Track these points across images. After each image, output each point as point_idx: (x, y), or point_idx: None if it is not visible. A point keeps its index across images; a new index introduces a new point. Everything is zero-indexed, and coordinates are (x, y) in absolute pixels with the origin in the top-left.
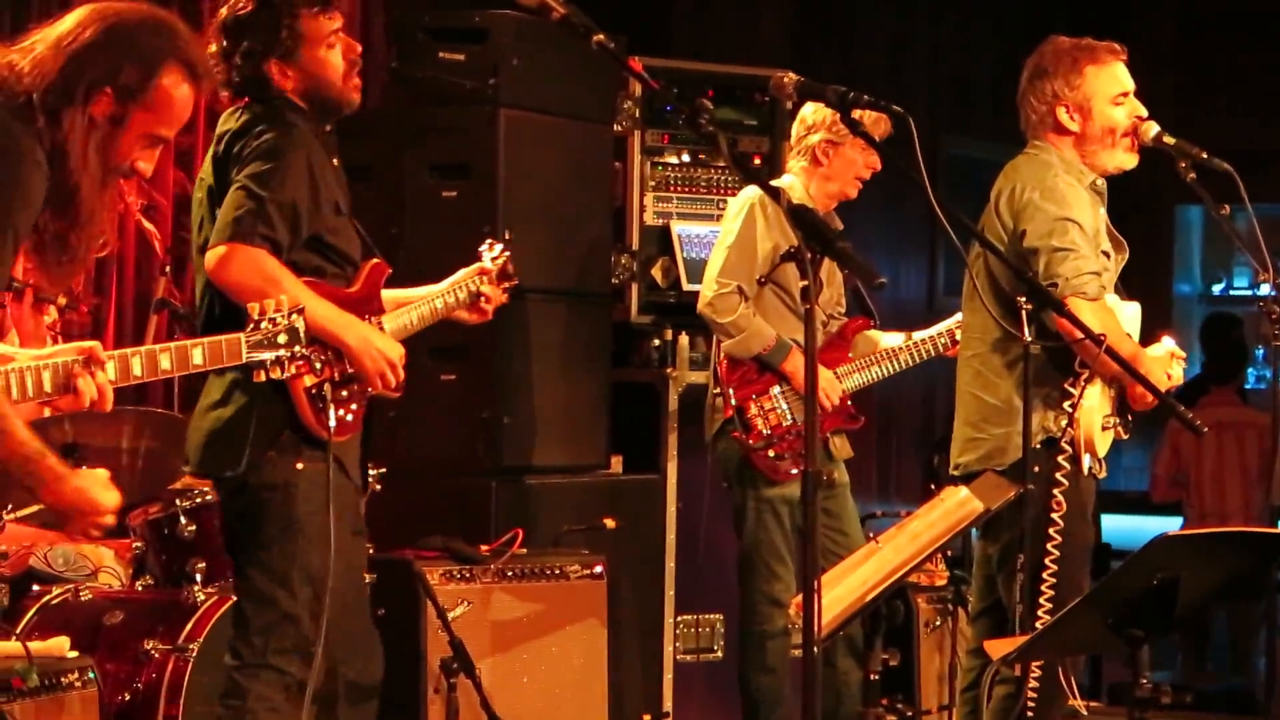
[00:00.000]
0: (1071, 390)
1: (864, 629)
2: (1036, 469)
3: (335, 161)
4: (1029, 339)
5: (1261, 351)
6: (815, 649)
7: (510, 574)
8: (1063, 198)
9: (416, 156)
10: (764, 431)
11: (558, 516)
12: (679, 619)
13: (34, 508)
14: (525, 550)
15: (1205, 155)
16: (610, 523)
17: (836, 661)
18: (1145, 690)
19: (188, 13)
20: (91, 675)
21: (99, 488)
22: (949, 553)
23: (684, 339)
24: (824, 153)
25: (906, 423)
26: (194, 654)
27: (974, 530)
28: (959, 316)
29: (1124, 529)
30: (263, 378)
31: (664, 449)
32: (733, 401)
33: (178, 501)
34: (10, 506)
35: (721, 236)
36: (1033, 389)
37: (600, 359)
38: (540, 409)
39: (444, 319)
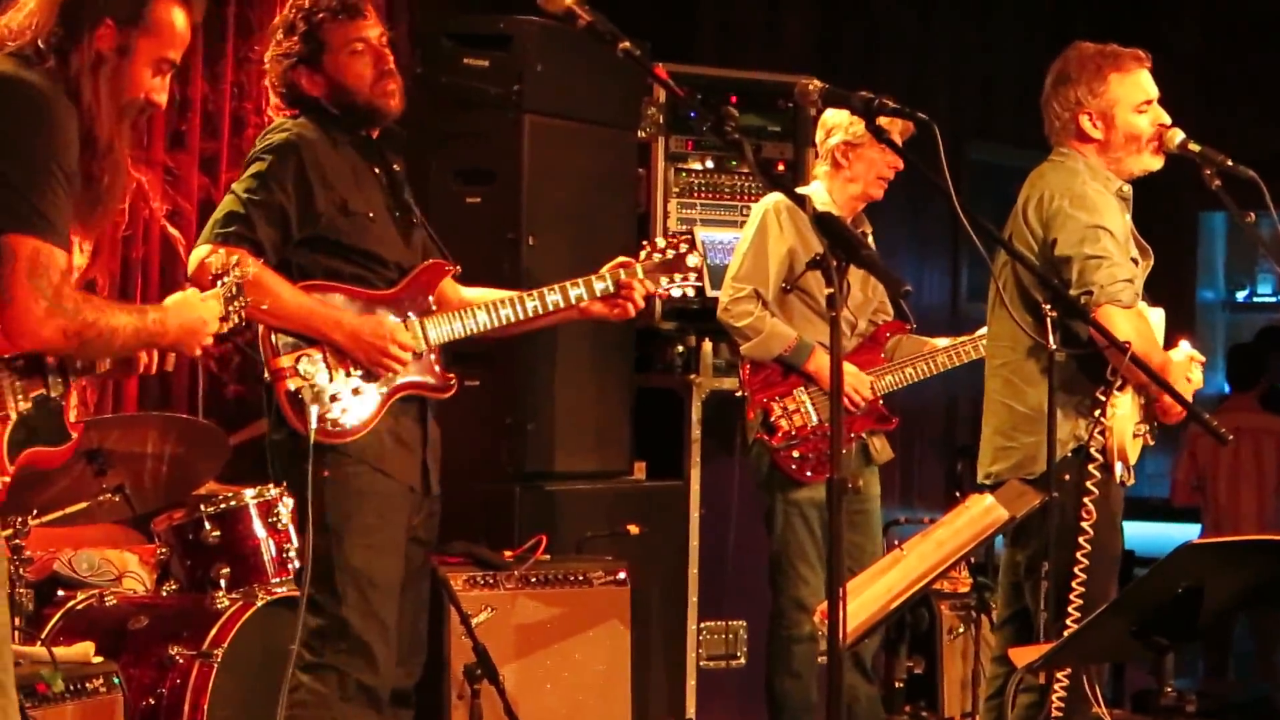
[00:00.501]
0: (1103, 398)
1: (888, 637)
2: (1067, 477)
3: (376, 169)
4: (1054, 346)
5: None
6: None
7: (534, 580)
8: (1093, 205)
9: (441, 162)
10: (789, 432)
11: (581, 522)
12: (702, 625)
13: (57, 513)
14: (549, 556)
15: (1230, 162)
16: (634, 529)
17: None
18: (1169, 698)
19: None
20: (116, 680)
21: (195, 309)
22: (972, 559)
23: (707, 345)
24: (843, 155)
25: (929, 429)
26: (218, 659)
27: (999, 537)
28: None
29: (1147, 536)
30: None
31: (687, 455)
32: (751, 402)
33: (202, 507)
34: (35, 512)
35: (739, 243)
36: (1064, 397)
37: (624, 365)
38: (564, 415)
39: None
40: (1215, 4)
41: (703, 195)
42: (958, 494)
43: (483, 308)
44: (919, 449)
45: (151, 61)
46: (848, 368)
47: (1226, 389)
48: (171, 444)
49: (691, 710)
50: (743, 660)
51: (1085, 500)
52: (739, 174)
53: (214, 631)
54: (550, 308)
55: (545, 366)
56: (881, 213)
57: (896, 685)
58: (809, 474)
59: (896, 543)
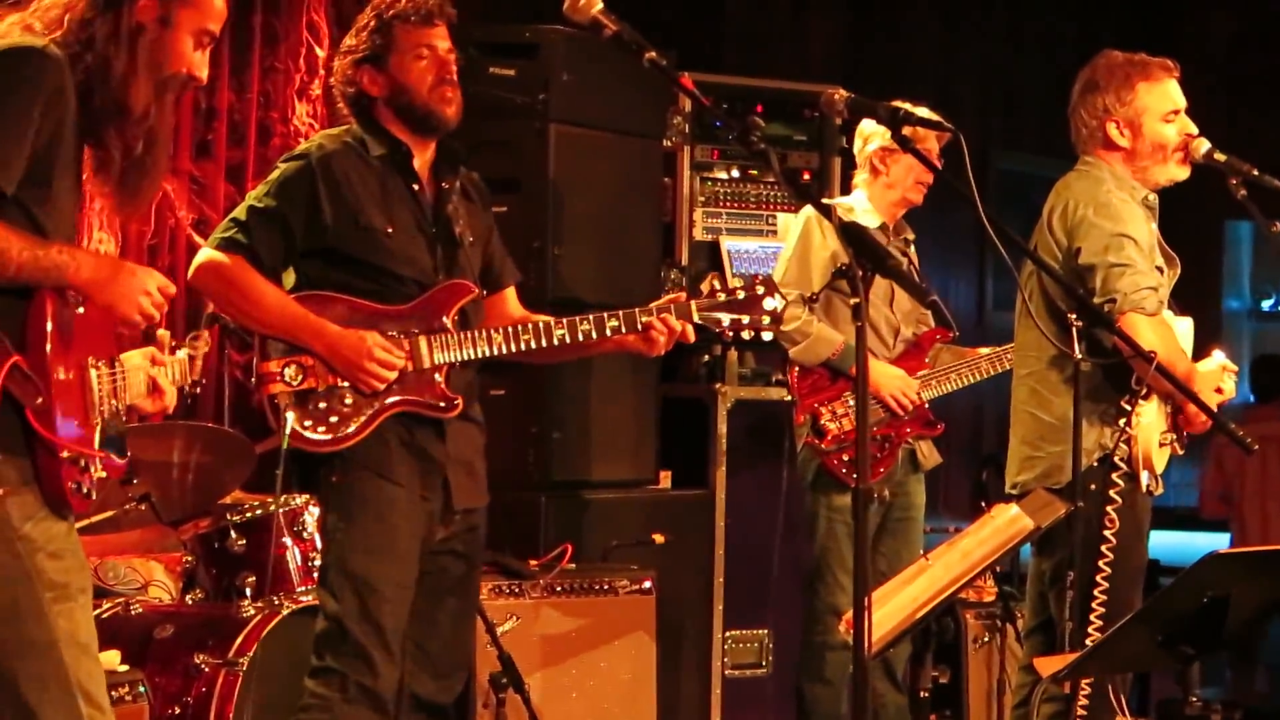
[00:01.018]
0: (1128, 407)
1: (914, 647)
2: (1092, 486)
3: (414, 186)
4: (1080, 356)
5: None
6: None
7: (559, 589)
8: (1117, 214)
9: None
10: (838, 435)
11: (607, 532)
12: (728, 634)
13: (84, 522)
14: (574, 565)
15: (1256, 172)
16: (659, 538)
17: (873, 684)
18: (1195, 708)
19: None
20: (142, 689)
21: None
22: (998, 569)
23: (733, 354)
24: (881, 161)
25: (956, 439)
26: (244, 668)
27: (1026, 546)
28: None
29: (1173, 545)
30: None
31: (713, 464)
32: (799, 406)
33: (228, 515)
34: None
35: (784, 249)
36: (1090, 406)
37: (649, 374)
38: (590, 424)
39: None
40: (1242, 14)
41: (728, 204)
42: (983, 504)
43: (500, 331)
44: (946, 459)
45: (193, 33)
46: (896, 372)
47: (1251, 398)
48: (198, 453)
49: (717, 719)
50: (768, 669)
51: (1109, 510)
52: (765, 183)
53: (239, 640)
54: (581, 338)
55: (571, 376)
56: (907, 221)
57: (922, 695)
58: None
59: (922, 552)
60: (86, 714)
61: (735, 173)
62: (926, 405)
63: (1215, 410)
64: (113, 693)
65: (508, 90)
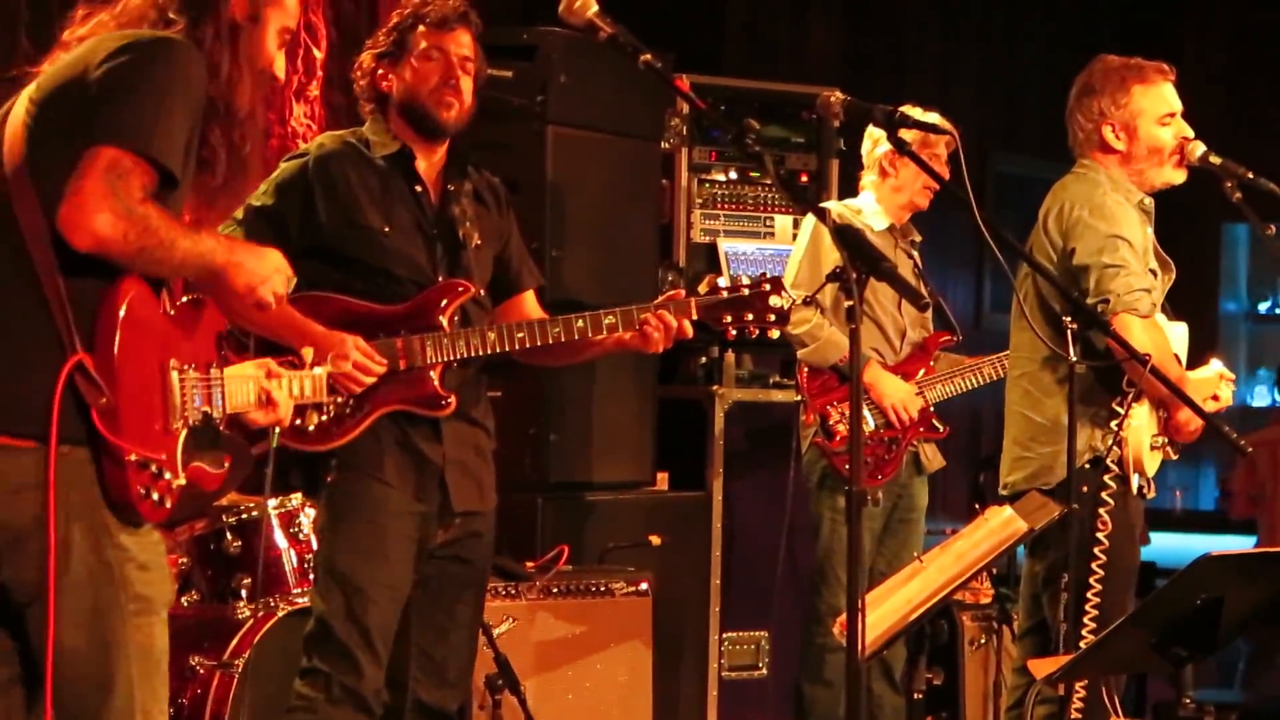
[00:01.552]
0: (1119, 409)
1: (908, 649)
2: (1085, 488)
3: (417, 188)
4: (1074, 358)
5: None
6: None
7: (555, 591)
8: (1112, 215)
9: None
10: (847, 437)
11: (603, 533)
12: (724, 636)
13: None
14: (571, 567)
15: (1251, 175)
16: (656, 540)
17: (870, 685)
18: (1189, 709)
19: None
20: None
21: (260, 254)
22: (994, 571)
23: (730, 356)
24: (890, 164)
25: (953, 441)
26: (239, 670)
27: (1021, 548)
28: None
29: (1169, 548)
30: None
31: (710, 466)
32: (808, 407)
33: (224, 517)
34: None
35: (793, 252)
36: (1081, 408)
37: (647, 376)
38: (587, 425)
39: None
40: (1242, 18)
41: (726, 206)
42: (978, 506)
43: (495, 329)
44: (944, 461)
45: (276, 31)
46: (904, 386)
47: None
48: None
49: None
50: (764, 671)
51: (1101, 511)
52: (763, 185)
53: (235, 642)
54: (577, 335)
55: (568, 377)
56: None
57: (915, 697)
58: (870, 479)
59: (917, 555)
60: None
61: (733, 174)
62: (931, 409)
63: (1209, 414)
64: None
65: (506, 92)
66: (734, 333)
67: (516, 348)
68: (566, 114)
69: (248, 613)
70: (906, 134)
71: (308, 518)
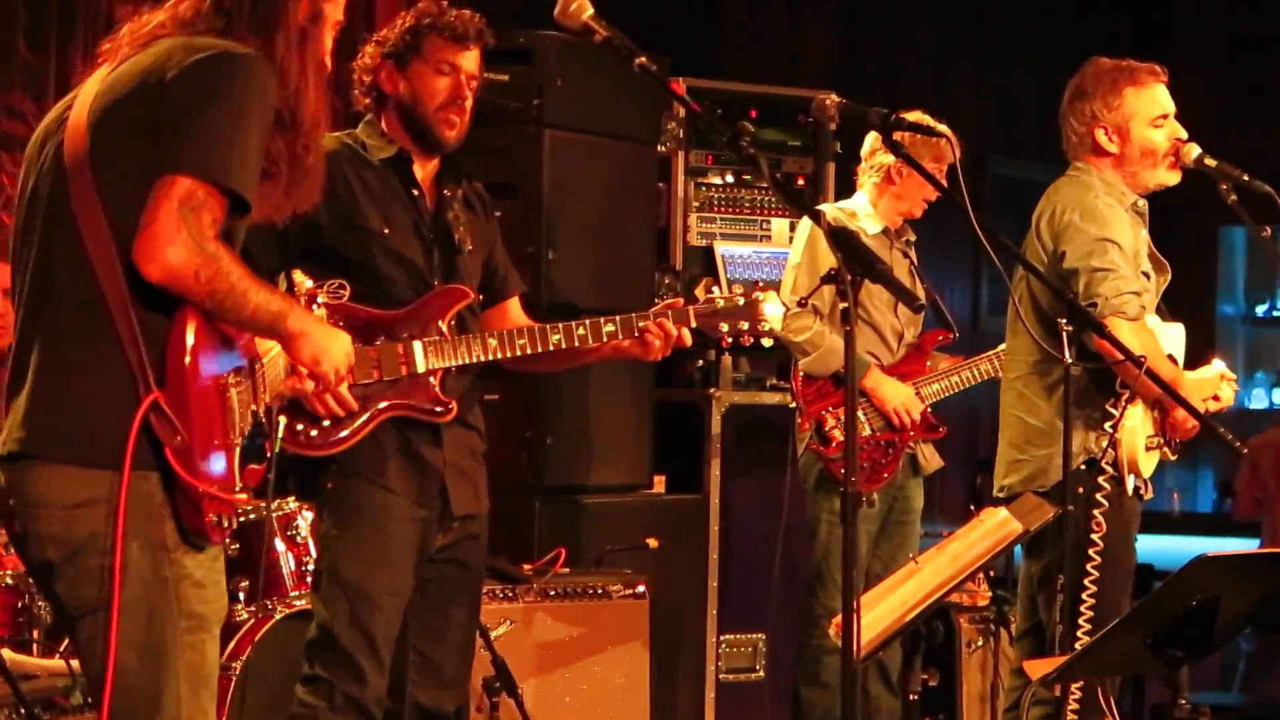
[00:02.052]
0: (1113, 411)
1: (903, 650)
2: (1080, 490)
3: (414, 191)
4: (1070, 360)
5: None
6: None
7: (553, 593)
8: (1102, 218)
9: None
10: (843, 443)
11: (601, 536)
12: (722, 638)
13: None
14: (568, 570)
15: (1246, 177)
16: (653, 542)
17: (868, 687)
18: (1184, 711)
19: None
20: None
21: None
22: (991, 572)
23: (727, 359)
24: (898, 172)
25: (950, 443)
26: (237, 672)
27: (1018, 550)
28: None
29: (1166, 550)
30: None
31: (707, 469)
32: (805, 413)
33: None
34: None
35: (790, 257)
36: (1075, 410)
37: (643, 379)
38: (584, 429)
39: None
40: (1237, 20)
41: (723, 210)
42: (972, 508)
43: (496, 335)
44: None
45: (332, 25)
46: (900, 389)
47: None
48: None
49: None
50: (761, 674)
51: (1096, 513)
52: (759, 188)
53: (232, 645)
54: (577, 343)
55: (565, 380)
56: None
57: (911, 698)
58: (866, 484)
59: (912, 556)
60: None
61: (730, 178)
62: (929, 408)
63: (1204, 414)
64: None
65: (502, 96)
66: (730, 341)
67: (519, 354)
68: (563, 117)
69: (246, 615)
70: (920, 150)
71: (305, 521)
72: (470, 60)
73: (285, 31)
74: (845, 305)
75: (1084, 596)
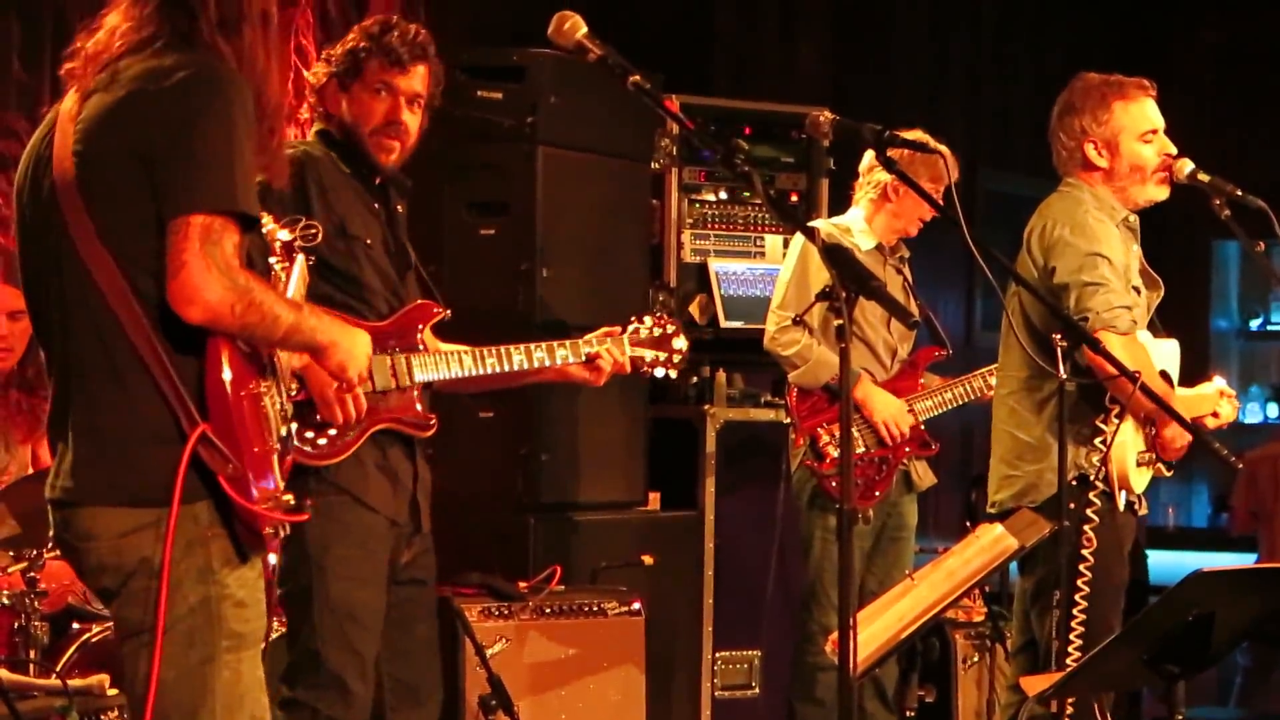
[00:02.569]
0: (1104, 427)
1: (899, 666)
2: (1072, 505)
3: (376, 204)
4: (1064, 376)
5: None
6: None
7: (548, 611)
8: (1093, 234)
9: (455, 194)
10: (836, 458)
11: (596, 553)
12: (717, 655)
13: None
14: (563, 587)
15: (1239, 192)
16: (648, 559)
17: (864, 704)
18: None
19: None
20: None
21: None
22: (987, 588)
23: (721, 376)
24: (895, 190)
25: (945, 459)
26: None
27: (1014, 565)
28: None
29: (1161, 565)
30: None
31: (701, 486)
32: (798, 429)
33: None
34: (50, 544)
35: (781, 272)
36: (1066, 426)
37: (638, 395)
38: (578, 445)
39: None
40: (1230, 33)
41: (716, 226)
42: (968, 524)
43: (470, 353)
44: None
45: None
46: (890, 402)
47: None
48: None
49: None
50: (757, 690)
51: (1086, 529)
52: (753, 205)
53: None
54: (536, 364)
55: (559, 397)
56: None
57: (908, 715)
58: (860, 500)
59: (908, 573)
60: None
61: (723, 194)
62: (922, 425)
63: (1198, 429)
64: (102, 717)
65: (496, 113)
66: (649, 371)
67: (488, 372)
68: (556, 135)
69: None
70: (918, 168)
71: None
72: (413, 80)
73: (250, 21)
74: (840, 322)
75: (1075, 612)
